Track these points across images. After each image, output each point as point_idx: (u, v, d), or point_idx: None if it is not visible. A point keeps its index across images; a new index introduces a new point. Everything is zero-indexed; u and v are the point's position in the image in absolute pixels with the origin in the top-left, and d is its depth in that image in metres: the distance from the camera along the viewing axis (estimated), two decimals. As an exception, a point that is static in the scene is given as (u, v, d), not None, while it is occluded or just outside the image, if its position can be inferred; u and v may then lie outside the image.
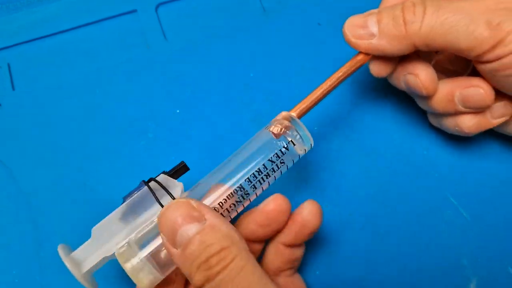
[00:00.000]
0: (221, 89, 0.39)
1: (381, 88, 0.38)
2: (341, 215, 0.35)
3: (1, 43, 0.40)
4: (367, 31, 0.30)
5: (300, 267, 0.33)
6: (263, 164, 0.27)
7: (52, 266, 0.34)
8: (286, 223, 0.29)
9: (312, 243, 0.34)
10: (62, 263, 0.33)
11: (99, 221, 0.34)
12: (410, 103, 0.36)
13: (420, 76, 0.31)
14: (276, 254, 0.30)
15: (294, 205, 0.29)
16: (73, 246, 0.34)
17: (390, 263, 0.34)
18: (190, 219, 0.24)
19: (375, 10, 0.30)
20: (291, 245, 0.30)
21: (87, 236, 0.34)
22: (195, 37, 0.41)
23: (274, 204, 0.28)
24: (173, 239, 0.24)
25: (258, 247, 0.30)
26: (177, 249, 0.24)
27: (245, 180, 0.27)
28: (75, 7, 0.41)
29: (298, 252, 0.31)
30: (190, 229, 0.24)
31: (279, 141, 0.28)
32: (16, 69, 0.40)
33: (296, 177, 0.36)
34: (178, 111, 0.38)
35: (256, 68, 0.40)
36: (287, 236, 0.29)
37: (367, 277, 0.34)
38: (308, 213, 0.29)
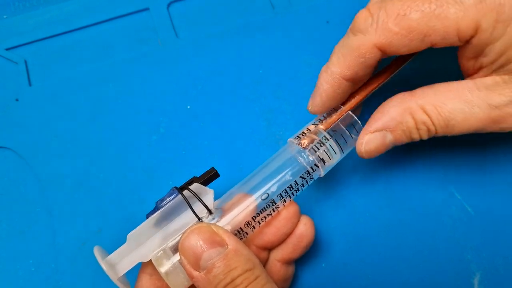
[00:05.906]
0: (231, 86, 0.40)
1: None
2: (348, 208, 0.36)
3: (18, 40, 0.41)
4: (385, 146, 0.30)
5: (307, 260, 0.34)
6: (295, 181, 0.29)
7: (66, 254, 0.35)
8: (294, 228, 0.31)
9: (319, 236, 0.35)
10: (77, 251, 0.35)
11: (107, 212, 0.36)
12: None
13: None
14: (272, 272, 0.31)
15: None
16: (88, 234, 0.35)
17: (395, 257, 0.35)
18: (213, 244, 0.25)
19: (389, 127, 0.30)
20: (287, 261, 0.31)
21: (100, 224, 0.35)
22: (206, 34, 0.41)
23: (286, 208, 0.30)
24: (196, 262, 0.25)
25: (264, 255, 0.32)
26: (199, 272, 0.25)
27: (277, 196, 0.29)
28: (89, 6, 0.42)
29: (291, 271, 0.32)
30: (213, 254, 0.25)
31: (310, 157, 0.29)
32: (32, 66, 0.41)
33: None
34: (189, 106, 0.39)
35: (265, 65, 0.40)
36: (284, 250, 0.31)
37: (372, 271, 0.34)
38: (303, 226, 0.31)
